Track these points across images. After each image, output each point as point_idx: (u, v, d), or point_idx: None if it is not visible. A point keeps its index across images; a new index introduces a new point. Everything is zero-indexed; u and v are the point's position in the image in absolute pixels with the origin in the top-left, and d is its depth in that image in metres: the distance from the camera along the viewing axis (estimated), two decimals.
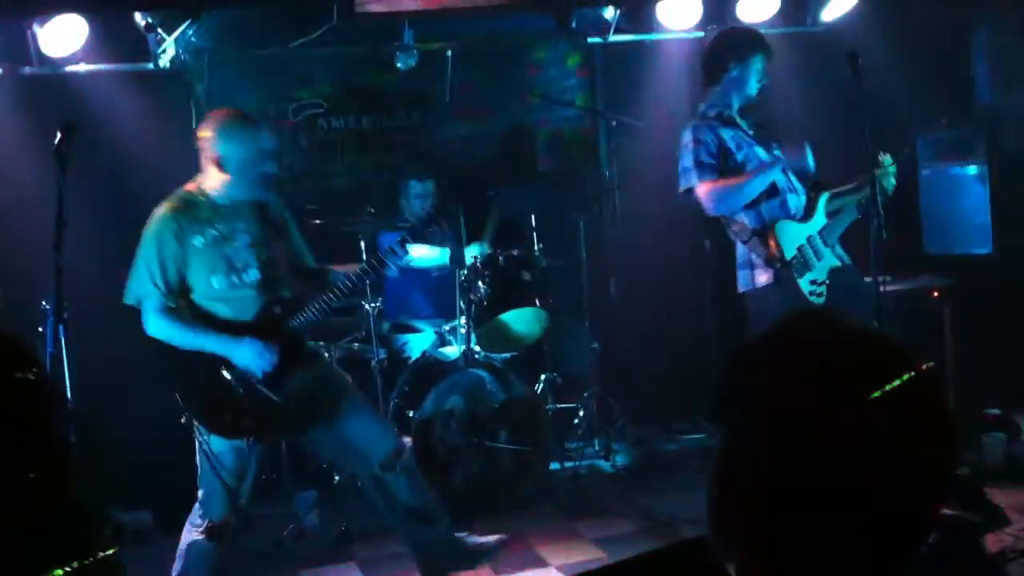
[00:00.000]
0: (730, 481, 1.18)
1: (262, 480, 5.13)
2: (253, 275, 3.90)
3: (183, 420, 3.84)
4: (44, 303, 3.60)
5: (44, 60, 5.51)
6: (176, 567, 3.93)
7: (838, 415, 1.13)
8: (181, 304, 3.87)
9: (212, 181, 3.92)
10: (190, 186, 3.96)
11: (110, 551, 1.35)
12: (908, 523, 1.14)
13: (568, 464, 5.66)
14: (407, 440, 4.13)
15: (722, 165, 4.54)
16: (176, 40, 5.80)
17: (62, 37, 5.39)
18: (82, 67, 5.69)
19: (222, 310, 3.88)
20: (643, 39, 6.58)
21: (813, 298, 4.46)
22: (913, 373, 1.15)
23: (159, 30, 5.63)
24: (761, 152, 4.60)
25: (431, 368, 5.48)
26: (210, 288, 3.86)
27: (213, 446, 3.81)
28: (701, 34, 6.32)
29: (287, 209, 4.20)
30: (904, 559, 1.14)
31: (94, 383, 3.91)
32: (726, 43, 4.70)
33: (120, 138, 5.66)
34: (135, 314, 3.88)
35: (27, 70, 5.58)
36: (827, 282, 4.51)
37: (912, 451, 1.13)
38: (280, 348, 3.87)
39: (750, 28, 5.10)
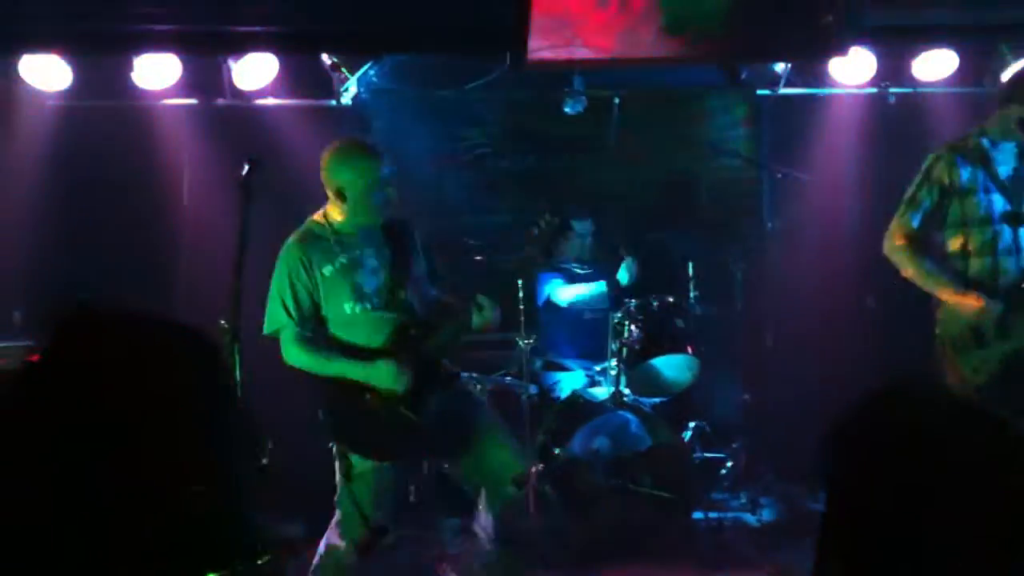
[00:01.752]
0: (828, 543, 1.23)
1: (410, 503, 5.31)
2: (382, 299, 3.96)
3: (331, 446, 3.97)
4: (222, 322, 3.85)
5: (236, 93, 5.88)
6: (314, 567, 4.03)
7: (929, 490, 1.16)
8: (316, 333, 3.97)
9: (335, 211, 4.02)
10: (317, 216, 4.08)
11: (266, 558, 1.44)
12: None
13: (712, 515, 5.61)
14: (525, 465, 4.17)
15: (935, 209, 4.35)
16: (358, 79, 6.09)
17: (254, 73, 5.74)
18: (270, 101, 6.05)
19: (357, 336, 3.96)
20: (813, 93, 6.53)
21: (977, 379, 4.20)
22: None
23: (343, 69, 5.93)
24: (999, 201, 4.27)
25: (580, 407, 5.55)
26: (343, 315, 3.95)
27: (355, 468, 3.89)
28: (874, 90, 6.25)
29: (417, 234, 4.21)
30: None
31: (260, 397, 4.13)
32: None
33: (301, 169, 5.96)
34: None
35: (220, 102, 5.97)
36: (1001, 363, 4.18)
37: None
38: (416, 369, 3.92)
39: None
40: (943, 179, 4.34)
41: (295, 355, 3.96)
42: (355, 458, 3.91)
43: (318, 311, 3.97)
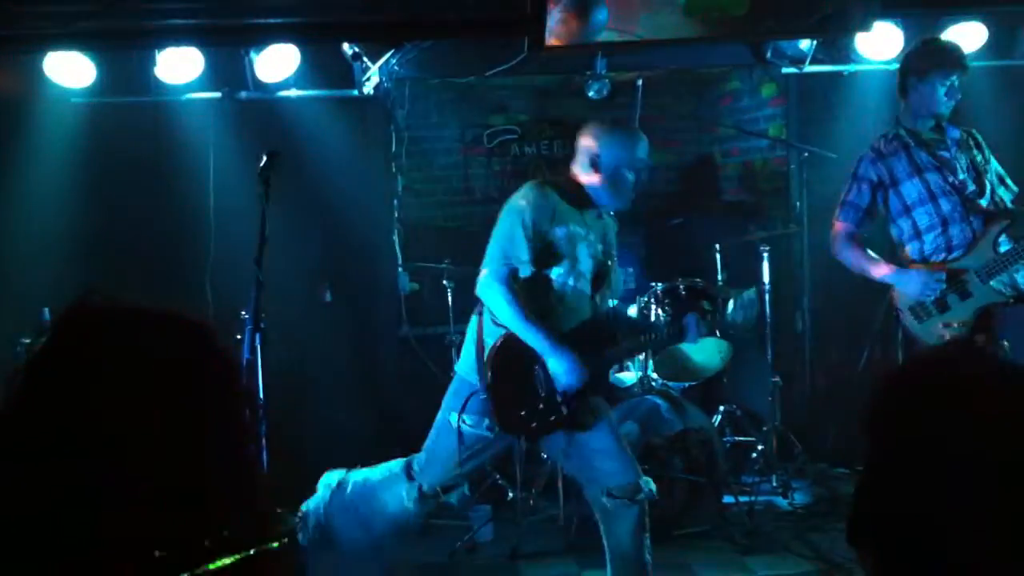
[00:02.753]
0: (866, 495, 1.22)
1: (438, 492, 5.32)
2: (587, 285, 3.91)
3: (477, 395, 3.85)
4: (243, 312, 3.87)
5: (258, 85, 5.90)
6: (370, 490, 4.04)
7: (965, 445, 1.15)
8: (521, 284, 3.82)
9: (583, 180, 3.93)
10: (557, 180, 3.99)
11: (275, 544, 1.43)
12: None
13: (743, 499, 5.56)
14: (649, 488, 3.99)
15: (871, 206, 4.65)
16: (380, 69, 6.09)
17: (276, 64, 5.76)
18: (293, 92, 6.06)
19: (550, 308, 3.85)
20: (840, 70, 6.45)
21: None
22: None
23: (364, 59, 5.93)
24: (935, 179, 4.51)
25: (608, 393, 5.52)
26: (550, 281, 3.85)
27: (468, 424, 3.84)
28: None
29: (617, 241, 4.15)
30: None
31: (284, 388, 4.15)
32: (907, 56, 4.67)
33: (324, 159, 6.00)
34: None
35: (243, 94, 5.99)
36: (969, 322, 4.41)
37: None
38: (590, 371, 3.84)
39: (937, 40, 4.89)
40: (870, 175, 4.67)
41: (497, 291, 3.76)
42: (476, 417, 3.84)
43: (537, 263, 3.81)
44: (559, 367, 3.78)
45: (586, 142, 3.97)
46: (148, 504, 1.25)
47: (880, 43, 6.01)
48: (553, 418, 3.86)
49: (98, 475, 1.24)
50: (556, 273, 3.84)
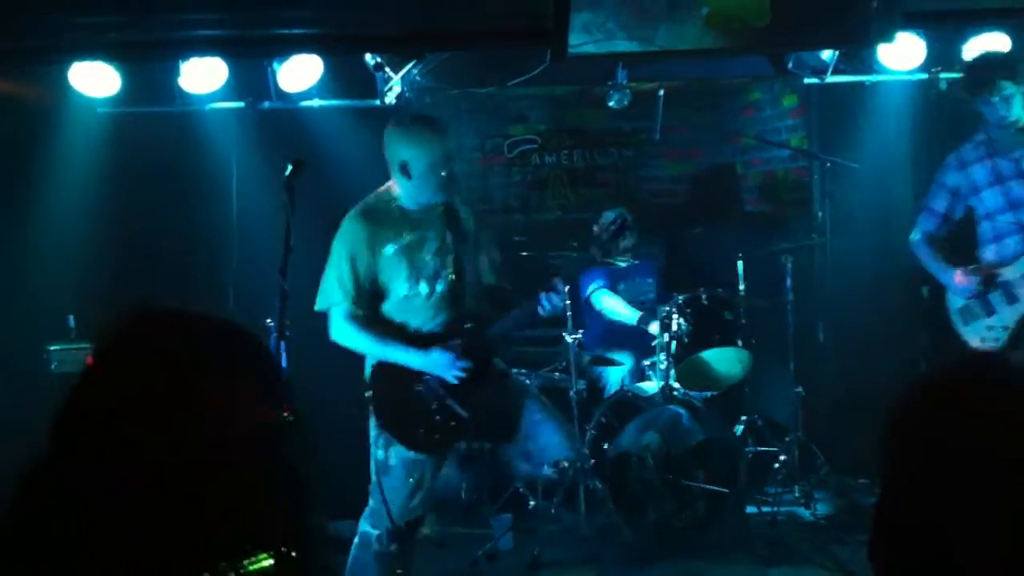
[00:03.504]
0: (885, 513, 1.22)
1: (462, 500, 5.33)
2: (441, 285, 3.90)
3: (371, 431, 3.92)
4: (269, 320, 3.88)
5: (281, 95, 5.93)
6: (350, 558, 4.01)
7: (986, 458, 1.15)
8: (369, 312, 3.87)
9: (399, 186, 3.93)
10: (381, 191, 3.98)
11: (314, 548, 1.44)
12: None
13: (765, 509, 5.54)
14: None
15: (948, 211, 4.77)
16: (402, 79, 6.11)
17: (299, 75, 5.79)
18: (315, 102, 6.09)
19: (411, 318, 3.90)
20: (862, 80, 6.43)
21: (986, 343, 4.53)
22: None
23: (386, 69, 5.95)
24: (1016, 188, 4.58)
25: (629, 402, 5.52)
26: (399, 296, 3.88)
27: (391, 459, 3.86)
28: (925, 76, 6.14)
29: (479, 221, 4.13)
30: None
31: (309, 397, 4.16)
32: (969, 68, 4.78)
33: (346, 169, 6.02)
34: None
35: (266, 105, 6.02)
36: (1011, 327, 4.51)
37: None
38: (470, 362, 3.85)
39: (979, 57, 5.02)
40: (948, 183, 4.79)
41: (346, 334, 3.86)
42: (393, 450, 3.88)
43: (374, 289, 3.87)
44: (434, 368, 3.81)
45: (388, 148, 3.94)
46: (204, 506, 1.27)
47: (902, 53, 5.99)
48: (454, 423, 3.87)
49: (156, 478, 1.25)
50: (401, 286, 3.86)
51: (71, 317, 5.00)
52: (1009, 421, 1.19)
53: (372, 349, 3.87)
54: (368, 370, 3.95)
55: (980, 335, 4.59)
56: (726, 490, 5.26)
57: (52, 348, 5.00)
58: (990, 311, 4.63)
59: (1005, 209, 4.63)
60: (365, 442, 4.14)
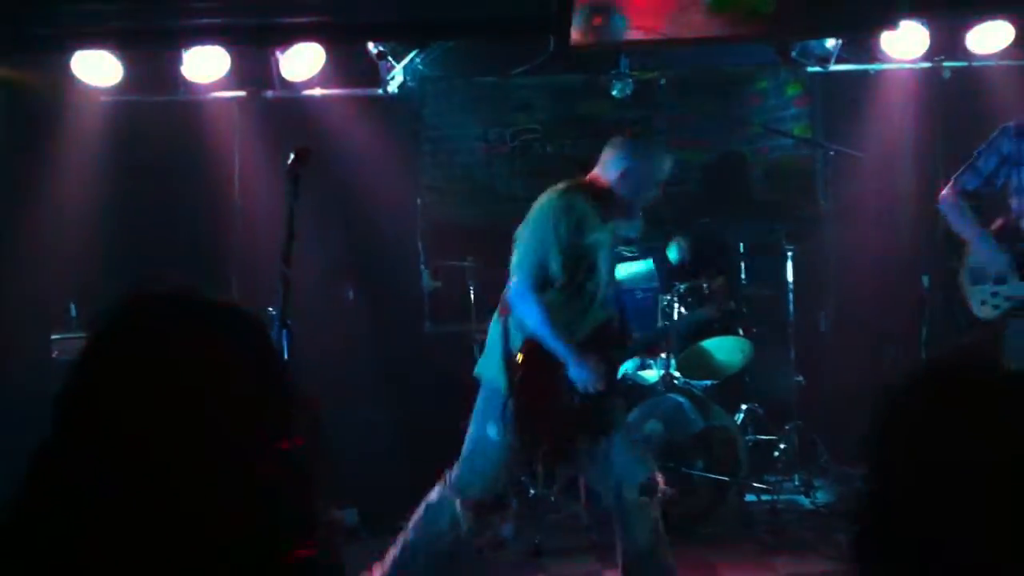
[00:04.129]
0: (868, 516, 1.22)
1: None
2: (608, 292, 3.95)
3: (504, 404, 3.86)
4: (271, 308, 3.89)
5: (284, 84, 5.93)
6: (416, 518, 3.99)
7: (970, 456, 1.15)
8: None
9: (600, 189, 3.93)
10: (585, 185, 3.97)
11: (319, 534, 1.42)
12: None
13: (766, 497, 5.56)
14: (661, 482, 3.99)
15: (991, 175, 4.64)
16: (405, 68, 6.12)
17: (301, 63, 5.79)
18: (318, 91, 6.09)
19: (571, 311, 3.86)
20: (866, 68, 6.42)
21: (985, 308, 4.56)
22: None
23: (389, 58, 5.96)
24: None
25: (630, 391, 5.53)
26: (573, 284, 3.85)
27: (502, 437, 3.84)
28: (928, 65, 6.13)
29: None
30: None
31: (309, 384, 4.17)
32: None
33: (349, 157, 6.03)
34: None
35: (269, 94, 6.03)
36: (1015, 298, 4.50)
37: None
38: (608, 370, 3.91)
39: None
40: (1002, 149, 4.61)
41: (531, 304, 3.79)
42: (509, 428, 3.83)
43: (568, 270, 3.82)
44: (580, 375, 3.81)
45: (617, 151, 3.97)
46: (202, 495, 1.26)
47: (906, 42, 5.98)
48: (576, 424, 3.88)
49: (156, 459, 1.25)
50: (582, 280, 3.86)
51: (73, 306, 5.02)
52: (988, 427, 1.19)
53: (542, 329, 3.79)
54: (519, 344, 3.86)
55: (982, 298, 4.55)
56: (727, 478, 5.27)
57: (54, 337, 5.02)
58: (1000, 279, 4.58)
59: None
60: (365, 430, 4.16)
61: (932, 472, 1.19)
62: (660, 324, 5.62)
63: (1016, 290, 4.55)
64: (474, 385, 4.02)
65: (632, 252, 6.03)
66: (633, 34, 5.84)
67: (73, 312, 4.96)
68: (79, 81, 5.64)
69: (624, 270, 5.94)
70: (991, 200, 4.67)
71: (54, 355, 4.93)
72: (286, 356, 3.81)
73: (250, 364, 1.33)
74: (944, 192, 4.77)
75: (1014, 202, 4.67)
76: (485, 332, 5.11)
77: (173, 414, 1.25)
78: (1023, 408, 1.20)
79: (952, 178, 4.74)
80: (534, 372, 3.85)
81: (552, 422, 3.89)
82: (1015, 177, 4.63)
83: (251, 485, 1.28)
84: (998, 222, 4.68)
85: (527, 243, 3.86)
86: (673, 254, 5.89)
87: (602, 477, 4.03)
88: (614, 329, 4.00)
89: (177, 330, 1.31)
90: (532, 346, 3.84)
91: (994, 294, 4.56)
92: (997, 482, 1.16)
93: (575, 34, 5.30)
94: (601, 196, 3.93)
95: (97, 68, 5.61)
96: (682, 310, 5.50)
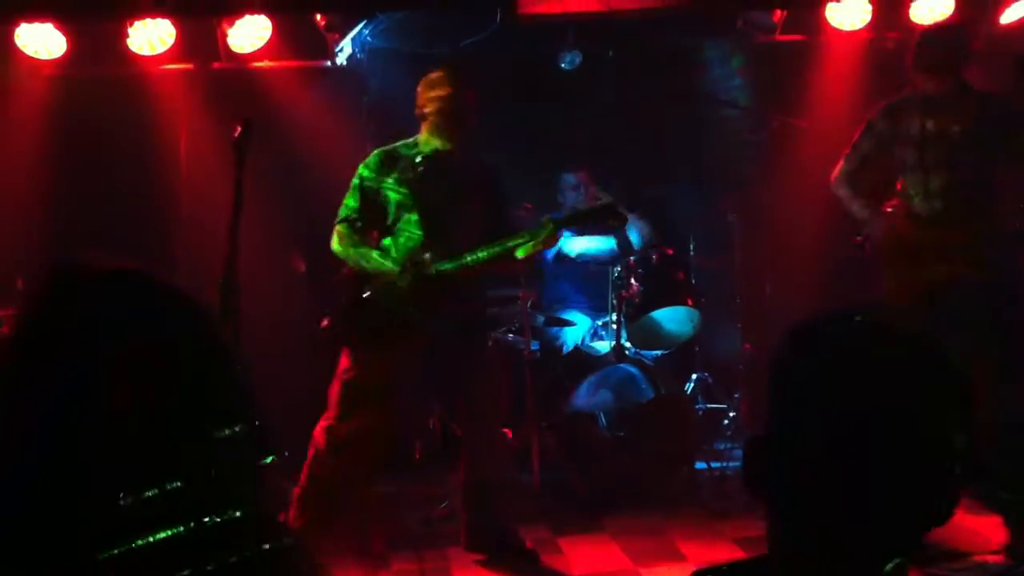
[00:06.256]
0: (758, 445, 1.36)
1: (416, 460, 5.37)
2: (429, 219, 4.29)
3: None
4: (221, 278, 3.88)
5: (231, 56, 5.88)
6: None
7: (862, 408, 1.26)
8: (365, 230, 4.37)
9: (421, 133, 4.40)
10: (409, 140, 4.44)
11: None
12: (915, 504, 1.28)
13: (715, 464, 5.66)
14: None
15: (870, 154, 4.84)
16: (353, 39, 6.08)
17: (248, 35, 5.72)
18: (266, 63, 6.04)
19: (396, 243, 4.31)
20: (810, 40, 6.49)
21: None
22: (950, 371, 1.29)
23: (336, 30, 5.92)
24: (933, 150, 4.64)
25: (582, 361, 5.59)
26: (391, 221, 4.32)
27: (351, 366, 4.23)
28: (871, 36, 6.20)
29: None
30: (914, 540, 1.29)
31: (256, 356, 4.18)
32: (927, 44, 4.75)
33: (297, 130, 5.99)
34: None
35: (216, 66, 5.97)
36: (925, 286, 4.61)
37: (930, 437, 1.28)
38: (427, 286, 4.21)
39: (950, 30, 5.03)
40: (876, 128, 4.83)
41: (336, 241, 4.35)
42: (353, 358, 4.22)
43: (374, 211, 4.35)
44: (390, 275, 4.26)
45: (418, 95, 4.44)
46: (137, 481, 1.23)
47: (849, 13, 6.05)
48: (408, 332, 4.26)
49: (84, 447, 1.23)
50: (395, 214, 4.32)
51: (20, 281, 4.97)
52: (870, 371, 1.29)
53: (354, 256, 4.33)
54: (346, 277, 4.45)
55: (896, 280, 4.68)
56: (677, 446, 5.35)
57: (0, 313, 4.97)
58: (915, 262, 4.68)
59: (916, 168, 4.68)
60: (310, 401, 4.20)
61: (814, 411, 1.30)
62: (610, 297, 5.68)
63: (927, 275, 4.62)
64: None
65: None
66: (580, 5, 5.87)
67: (20, 287, 4.91)
68: (22, 55, 5.55)
69: (584, 245, 5.99)
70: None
71: (0, 330, 4.88)
72: (235, 329, 3.81)
73: (182, 343, 1.30)
74: (833, 175, 4.95)
75: (900, 179, 4.80)
76: None
77: (98, 394, 1.23)
78: (888, 355, 1.31)
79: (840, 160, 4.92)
80: (355, 296, 4.38)
81: (386, 335, 4.30)
82: (895, 155, 4.76)
83: (192, 477, 1.25)
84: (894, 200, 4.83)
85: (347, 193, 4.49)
86: (635, 238, 5.94)
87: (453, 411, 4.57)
88: (426, 252, 4.31)
89: (84, 305, 1.28)
90: (353, 277, 4.42)
91: (910, 280, 4.67)
92: (875, 425, 1.27)
93: (523, 5, 5.32)
94: (408, 149, 4.49)
95: (40, 42, 5.52)
96: (632, 282, 5.55)
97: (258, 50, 5.84)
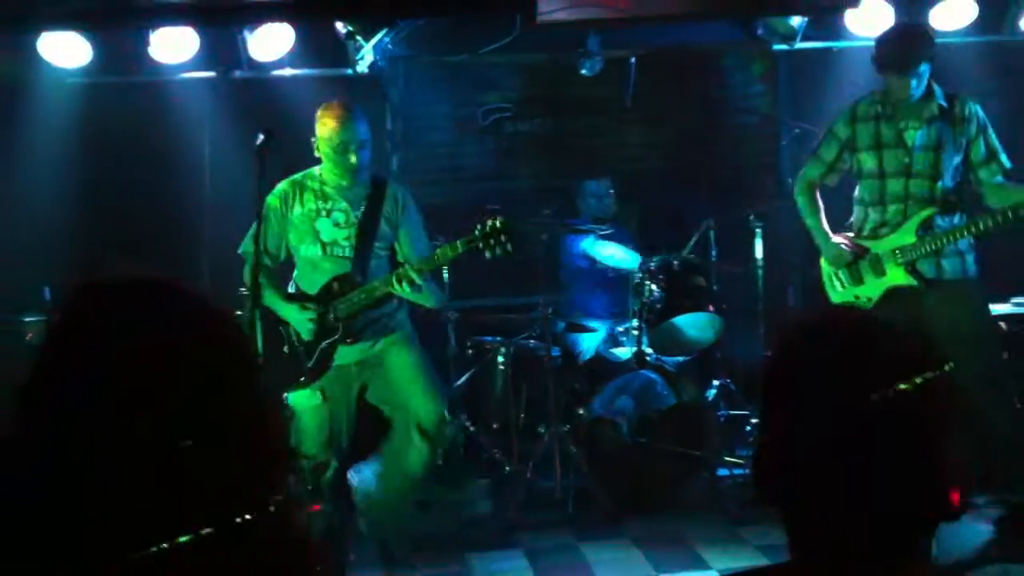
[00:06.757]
0: (768, 445, 1.38)
1: (438, 467, 5.37)
2: (337, 251, 4.31)
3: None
4: (242, 288, 3.91)
5: (253, 64, 5.91)
6: None
7: (862, 405, 1.28)
8: (272, 266, 4.38)
9: (322, 165, 4.39)
10: (318, 167, 4.42)
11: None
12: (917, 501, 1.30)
13: (738, 471, 5.63)
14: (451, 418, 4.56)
15: (835, 162, 4.83)
16: (374, 47, 6.10)
17: (270, 43, 5.77)
18: (287, 71, 6.07)
19: (306, 278, 4.36)
20: (830, 46, 6.48)
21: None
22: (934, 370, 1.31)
23: (358, 37, 5.94)
24: (890, 157, 4.65)
25: (603, 367, 5.59)
26: (302, 255, 4.36)
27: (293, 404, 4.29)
28: None
29: (408, 202, 4.51)
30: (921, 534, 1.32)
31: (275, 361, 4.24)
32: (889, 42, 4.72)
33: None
34: None
35: (237, 74, 6.01)
36: (875, 299, 4.67)
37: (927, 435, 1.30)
38: (323, 321, 4.25)
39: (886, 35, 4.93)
40: (840, 135, 4.81)
41: (247, 277, 4.24)
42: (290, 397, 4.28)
43: (283, 246, 4.39)
44: (292, 320, 4.30)
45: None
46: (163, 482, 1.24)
47: (869, 19, 6.03)
48: (324, 366, 4.31)
49: (110, 450, 1.24)
50: (303, 248, 4.36)
51: (47, 289, 5.01)
52: (872, 366, 1.31)
53: (264, 296, 4.23)
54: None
55: (847, 303, 4.61)
56: (698, 453, 5.34)
57: (27, 319, 5.01)
58: (858, 281, 4.73)
59: (876, 176, 4.68)
60: None
61: (812, 411, 1.32)
62: (631, 302, 5.67)
63: (875, 288, 4.68)
64: None
65: (606, 230, 6.07)
66: (600, 12, 5.86)
67: (47, 295, 4.95)
68: (46, 63, 5.60)
69: (611, 253, 5.98)
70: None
71: (27, 338, 4.93)
72: (259, 333, 3.84)
73: (207, 343, 1.31)
74: (797, 179, 4.97)
75: (858, 191, 4.80)
76: (456, 311, 5.68)
77: (127, 408, 1.23)
78: (886, 350, 1.33)
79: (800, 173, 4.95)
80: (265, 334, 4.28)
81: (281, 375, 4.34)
82: (854, 162, 4.76)
83: (210, 482, 1.26)
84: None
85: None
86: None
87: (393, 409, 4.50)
88: (333, 285, 4.36)
89: (127, 318, 1.29)
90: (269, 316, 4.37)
91: (856, 297, 4.75)
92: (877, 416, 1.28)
93: (542, 11, 5.33)
94: (314, 178, 4.48)
95: (64, 50, 5.56)
96: (653, 288, 5.54)
97: (280, 58, 5.88)
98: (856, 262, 4.75)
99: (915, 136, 4.63)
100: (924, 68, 4.55)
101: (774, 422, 1.38)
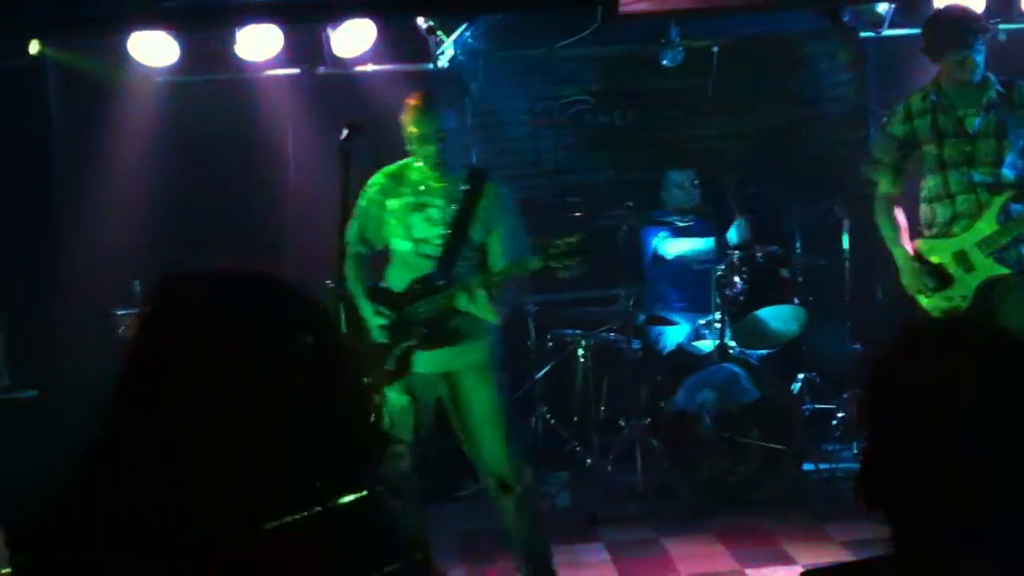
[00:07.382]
0: (867, 458, 1.39)
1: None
2: (426, 248, 4.12)
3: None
4: (328, 281, 3.96)
5: (336, 61, 5.98)
6: None
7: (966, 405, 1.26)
8: (366, 256, 4.26)
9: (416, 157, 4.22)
10: (414, 160, 4.26)
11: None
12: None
13: (823, 466, 5.54)
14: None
15: (899, 164, 4.76)
16: (454, 42, 6.13)
17: (352, 40, 5.82)
18: (369, 67, 6.13)
19: (396, 272, 4.20)
20: (919, 33, 6.31)
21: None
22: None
23: (439, 32, 5.98)
24: (950, 148, 4.55)
25: (685, 361, 5.54)
26: (395, 249, 4.20)
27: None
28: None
29: (505, 203, 4.22)
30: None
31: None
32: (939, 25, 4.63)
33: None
34: None
35: (321, 70, 6.08)
36: (970, 296, 4.50)
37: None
38: (399, 322, 4.11)
39: (936, 17, 4.85)
40: (898, 134, 4.70)
41: (345, 269, 4.13)
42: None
43: (381, 236, 4.23)
44: (367, 319, 4.17)
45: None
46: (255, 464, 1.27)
47: (960, 4, 5.87)
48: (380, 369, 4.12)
49: (201, 436, 1.27)
50: (396, 242, 4.18)
51: (137, 283, 5.13)
52: (981, 375, 1.28)
53: (352, 287, 4.18)
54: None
55: (941, 308, 4.56)
56: (782, 447, 5.27)
57: (119, 313, 5.15)
58: (947, 282, 4.59)
59: (935, 170, 4.58)
60: None
61: (930, 419, 1.29)
62: (714, 295, 5.62)
63: (967, 285, 4.55)
64: None
65: (687, 222, 6.02)
66: (682, 2, 5.81)
67: (137, 288, 5.07)
68: (135, 62, 5.73)
69: (681, 247, 5.94)
70: None
71: (120, 331, 5.06)
72: (343, 327, 3.88)
73: (292, 330, 1.33)
74: (875, 208, 4.86)
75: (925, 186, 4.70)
76: (536, 304, 5.64)
77: (209, 391, 1.26)
78: (1009, 356, 1.30)
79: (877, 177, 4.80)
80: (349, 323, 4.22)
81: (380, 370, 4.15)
82: (920, 159, 4.66)
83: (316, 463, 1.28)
84: None
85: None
86: (733, 236, 5.86)
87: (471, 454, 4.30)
88: (415, 286, 4.14)
89: (209, 308, 1.32)
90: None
91: (949, 299, 4.61)
92: (993, 428, 1.25)
93: (624, 3, 5.29)
94: (413, 167, 4.27)
95: (153, 49, 5.69)
96: (737, 280, 5.48)
97: (362, 54, 5.93)
98: (937, 267, 4.63)
99: (974, 123, 4.52)
100: (981, 44, 4.41)
101: (887, 424, 1.36)
